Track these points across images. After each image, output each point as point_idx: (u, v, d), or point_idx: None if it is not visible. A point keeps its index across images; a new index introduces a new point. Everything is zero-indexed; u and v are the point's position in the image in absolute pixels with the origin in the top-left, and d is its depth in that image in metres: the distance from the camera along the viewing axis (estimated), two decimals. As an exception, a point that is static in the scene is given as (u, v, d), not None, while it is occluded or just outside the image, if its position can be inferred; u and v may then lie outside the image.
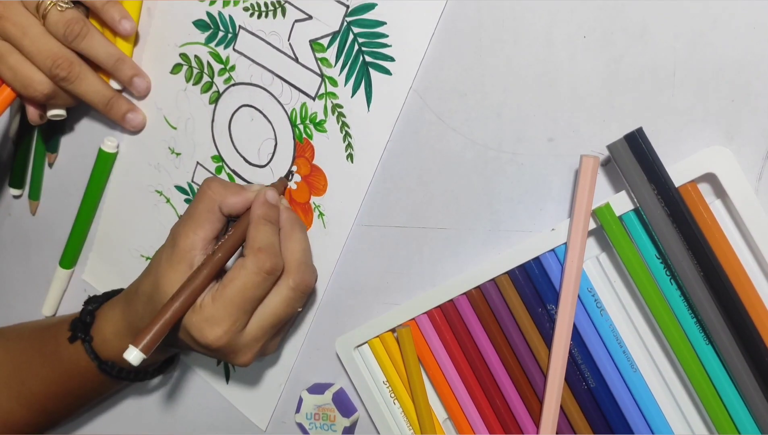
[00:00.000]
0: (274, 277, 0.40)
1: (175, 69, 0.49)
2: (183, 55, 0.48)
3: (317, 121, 0.43)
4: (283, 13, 0.43)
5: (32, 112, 0.49)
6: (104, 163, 0.53)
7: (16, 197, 0.60)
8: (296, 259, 0.41)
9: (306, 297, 0.42)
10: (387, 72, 0.40)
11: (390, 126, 0.41)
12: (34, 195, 0.59)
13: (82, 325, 0.47)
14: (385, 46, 0.40)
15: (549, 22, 0.35)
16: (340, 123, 0.42)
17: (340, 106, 0.42)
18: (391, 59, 0.40)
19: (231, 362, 0.42)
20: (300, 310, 0.43)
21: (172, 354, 0.51)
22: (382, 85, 0.40)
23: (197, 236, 0.41)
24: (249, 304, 0.39)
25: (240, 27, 0.45)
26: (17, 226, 0.61)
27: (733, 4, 0.32)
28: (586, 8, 0.35)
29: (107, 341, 0.46)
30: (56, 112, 0.50)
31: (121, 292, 0.48)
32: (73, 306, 0.59)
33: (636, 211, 0.35)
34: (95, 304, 0.48)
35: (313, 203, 0.45)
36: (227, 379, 0.52)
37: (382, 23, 0.40)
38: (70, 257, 0.57)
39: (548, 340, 0.39)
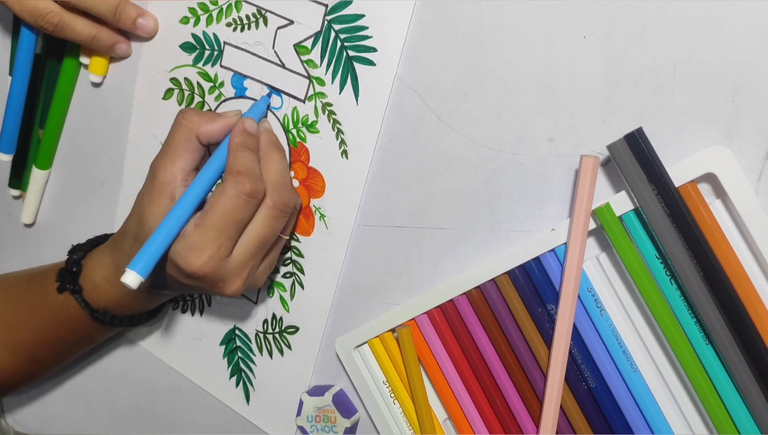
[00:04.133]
0: (255, 201, 0.39)
1: (167, 94, 0.49)
2: (173, 80, 0.49)
3: (309, 123, 0.44)
4: (265, 23, 0.44)
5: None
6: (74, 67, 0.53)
7: (16, 198, 0.60)
8: (273, 179, 0.41)
9: (286, 217, 0.41)
10: (371, 63, 0.41)
11: (380, 115, 0.41)
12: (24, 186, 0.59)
13: (69, 275, 0.46)
14: (366, 38, 0.40)
15: (549, 22, 0.36)
16: (332, 121, 0.43)
17: (330, 105, 0.43)
18: (374, 50, 0.40)
19: (221, 293, 0.41)
20: (286, 237, 0.43)
21: (162, 300, 0.51)
22: (368, 77, 0.41)
23: (175, 167, 0.41)
24: (232, 229, 0.39)
25: (225, 43, 0.46)
26: (17, 226, 0.61)
27: (733, 5, 0.32)
28: (586, 9, 0.35)
29: (98, 287, 0.46)
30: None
31: (108, 239, 0.48)
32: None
33: (636, 211, 0.35)
34: (80, 252, 0.48)
35: (313, 206, 0.45)
36: (248, 400, 0.52)
37: (361, 16, 0.40)
38: (46, 156, 0.56)
39: (548, 340, 0.39)
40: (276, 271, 0.48)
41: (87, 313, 0.46)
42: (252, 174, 0.39)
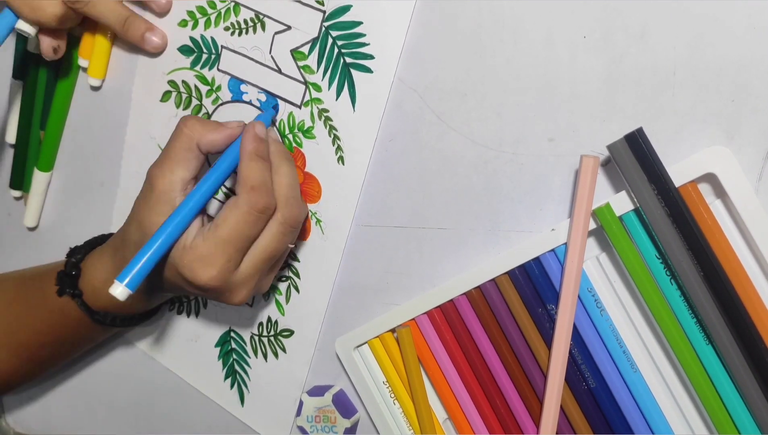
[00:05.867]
0: (266, 216, 0.39)
1: (165, 96, 0.49)
2: (171, 82, 0.49)
3: (305, 128, 0.44)
4: (263, 28, 0.44)
5: (46, 45, 0.47)
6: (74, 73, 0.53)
7: (17, 199, 0.60)
8: (284, 193, 0.40)
9: (296, 232, 0.41)
10: (368, 70, 0.40)
11: (376, 123, 0.41)
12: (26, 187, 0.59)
13: (68, 279, 0.46)
14: (363, 45, 0.40)
15: (549, 22, 0.36)
16: (328, 127, 0.43)
17: (326, 111, 0.42)
18: (371, 57, 0.40)
19: (225, 301, 0.41)
20: (292, 246, 0.42)
21: (162, 300, 0.51)
22: (365, 84, 0.41)
23: (175, 176, 0.40)
24: (243, 243, 0.39)
25: (222, 47, 0.46)
26: (17, 227, 0.61)
27: (733, 5, 0.32)
28: (586, 8, 0.35)
29: (98, 291, 0.45)
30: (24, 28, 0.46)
31: (107, 241, 0.47)
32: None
33: (636, 211, 0.35)
34: (79, 254, 0.47)
35: (310, 211, 0.45)
36: (242, 402, 0.52)
37: (359, 23, 0.40)
38: (47, 158, 0.56)
39: (548, 340, 0.39)
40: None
41: (87, 315, 0.46)
42: (265, 189, 0.39)
